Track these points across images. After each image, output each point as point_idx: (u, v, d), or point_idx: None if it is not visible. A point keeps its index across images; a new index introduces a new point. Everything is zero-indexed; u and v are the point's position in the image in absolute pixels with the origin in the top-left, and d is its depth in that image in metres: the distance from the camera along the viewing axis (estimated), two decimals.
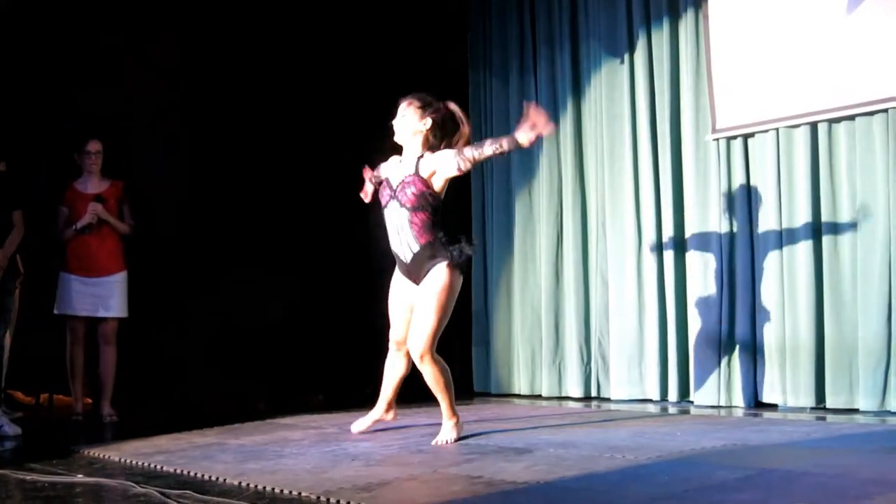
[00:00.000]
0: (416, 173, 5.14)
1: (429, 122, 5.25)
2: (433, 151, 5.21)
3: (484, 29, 9.17)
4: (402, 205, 5.15)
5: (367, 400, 6.31)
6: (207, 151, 8.21)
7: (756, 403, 6.94)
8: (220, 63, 8.29)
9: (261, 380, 8.19)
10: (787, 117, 6.87)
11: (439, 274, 5.10)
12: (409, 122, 5.28)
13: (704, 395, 7.17)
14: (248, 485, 3.99)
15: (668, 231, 7.56)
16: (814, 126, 6.77)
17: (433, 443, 5.12)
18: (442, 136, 5.28)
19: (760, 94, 7.04)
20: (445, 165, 5.08)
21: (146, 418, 7.03)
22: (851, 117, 6.58)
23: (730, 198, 7.21)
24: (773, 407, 6.84)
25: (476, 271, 9.01)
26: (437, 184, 5.14)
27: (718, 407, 7.01)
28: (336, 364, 8.48)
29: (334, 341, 8.49)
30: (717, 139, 7.28)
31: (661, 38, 7.70)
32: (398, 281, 5.42)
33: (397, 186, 5.19)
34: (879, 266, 6.34)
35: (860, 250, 6.47)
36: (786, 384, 6.79)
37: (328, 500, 3.57)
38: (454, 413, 5.33)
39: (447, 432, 5.23)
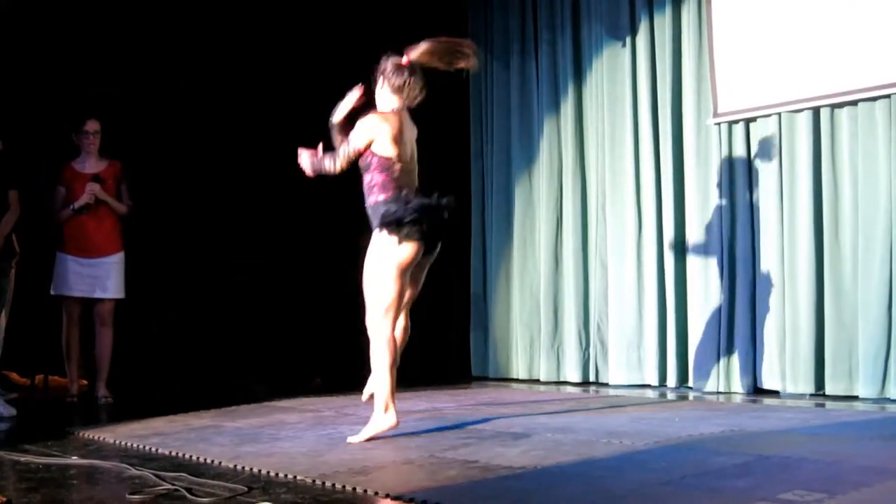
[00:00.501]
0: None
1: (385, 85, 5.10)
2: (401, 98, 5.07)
3: (485, 12, 9.12)
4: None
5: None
6: (205, 131, 8.17)
7: (755, 390, 6.92)
8: (219, 46, 8.24)
9: (259, 362, 8.18)
10: (789, 102, 6.83)
11: (373, 240, 4.89)
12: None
13: (703, 380, 7.15)
14: (243, 468, 3.99)
15: (668, 216, 7.52)
16: (816, 111, 6.73)
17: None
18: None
19: (762, 79, 6.99)
20: None
21: (142, 400, 7.01)
22: (854, 103, 6.54)
23: (731, 183, 7.17)
24: (772, 393, 6.81)
25: (475, 255, 8.99)
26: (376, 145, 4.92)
27: (717, 393, 7.00)
28: (334, 346, 8.45)
29: (332, 324, 8.46)
30: (719, 123, 7.24)
31: (663, 21, 7.65)
32: None
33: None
34: (881, 253, 6.31)
35: (861, 237, 6.43)
36: (785, 371, 6.76)
37: (323, 483, 3.57)
38: (387, 404, 4.74)
39: (367, 428, 4.74)
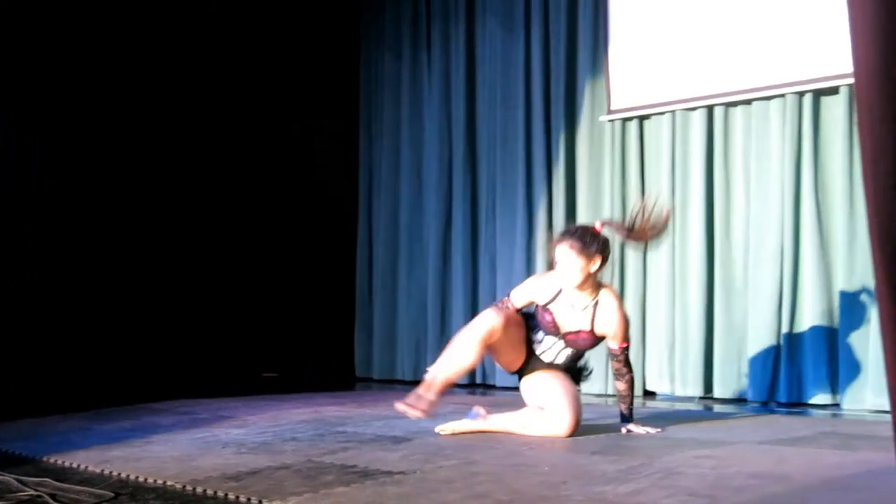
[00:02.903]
0: (592, 331, 4.79)
1: (598, 261, 4.72)
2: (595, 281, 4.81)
3: (378, 2, 8.98)
4: (567, 345, 4.87)
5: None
6: (150, 125, 8.11)
7: (644, 392, 6.88)
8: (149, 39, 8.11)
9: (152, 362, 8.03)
10: (684, 100, 6.81)
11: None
12: (576, 267, 4.69)
13: (591, 382, 7.09)
14: (111, 473, 3.81)
15: (559, 214, 7.45)
16: (710, 109, 6.71)
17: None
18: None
19: (657, 76, 6.96)
20: (610, 337, 4.81)
21: (9, 400, 6.74)
22: (748, 102, 6.54)
23: (623, 181, 7.12)
24: (659, 396, 6.80)
25: (361, 252, 8.87)
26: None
27: (605, 396, 6.93)
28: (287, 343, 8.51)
29: (281, 321, 8.47)
30: (613, 120, 7.19)
31: (558, 15, 7.57)
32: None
33: (567, 334, 4.82)
34: (772, 254, 6.30)
35: (753, 237, 6.42)
36: (674, 373, 6.73)
37: (194, 489, 3.41)
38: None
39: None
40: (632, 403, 4.87)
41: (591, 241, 4.70)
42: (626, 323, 4.82)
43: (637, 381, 6.84)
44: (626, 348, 4.83)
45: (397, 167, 8.67)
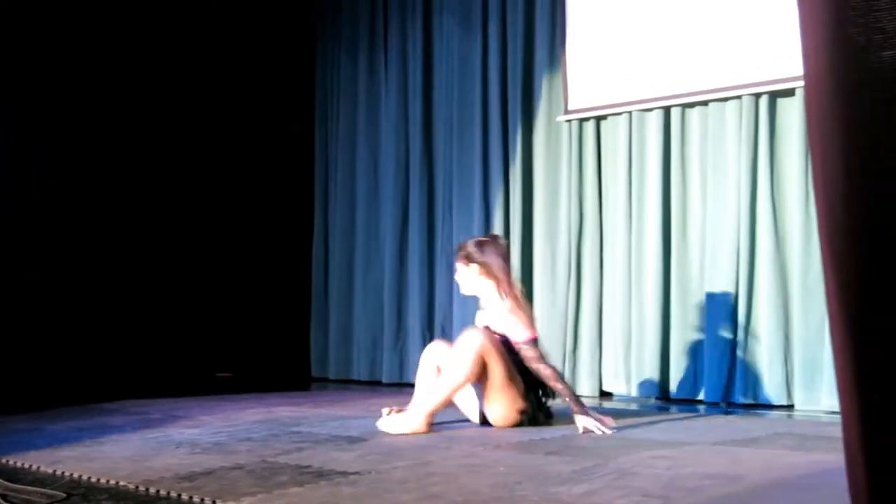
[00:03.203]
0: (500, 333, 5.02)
1: (476, 269, 5.13)
2: (502, 285, 5.08)
3: (335, 1, 8.94)
4: None
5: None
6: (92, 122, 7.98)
7: (600, 393, 6.88)
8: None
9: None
10: (641, 101, 6.81)
11: None
12: (466, 277, 5.21)
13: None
14: (62, 473, 3.78)
15: (516, 213, 7.43)
16: (667, 110, 6.72)
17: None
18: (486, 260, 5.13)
19: (614, 77, 6.95)
20: (510, 334, 4.99)
21: None
22: (705, 103, 6.55)
23: (580, 181, 7.11)
24: (615, 397, 6.79)
25: (317, 251, 8.83)
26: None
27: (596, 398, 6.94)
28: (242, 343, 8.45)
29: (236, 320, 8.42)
30: (570, 120, 7.19)
31: (515, 14, 7.55)
32: None
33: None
34: (728, 255, 6.30)
35: (709, 238, 6.43)
36: (630, 373, 6.72)
37: (147, 489, 3.39)
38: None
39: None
40: (573, 395, 4.91)
41: (474, 252, 5.12)
42: (516, 316, 4.97)
43: (594, 381, 6.90)
44: (533, 342, 4.96)
45: (354, 166, 8.63)
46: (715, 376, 6.31)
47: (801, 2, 1.78)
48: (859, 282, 1.68)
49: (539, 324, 7.14)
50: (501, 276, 5.06)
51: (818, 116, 1.74)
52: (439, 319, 7.88)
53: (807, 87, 1.82)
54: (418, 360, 7.83)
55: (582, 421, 4.77)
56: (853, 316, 1.70)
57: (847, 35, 1.65)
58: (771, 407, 6.09)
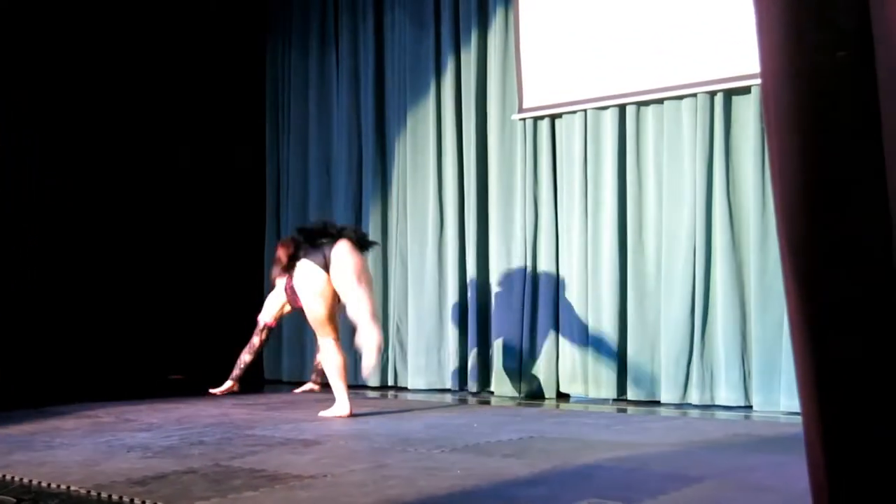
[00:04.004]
0: None
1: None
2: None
3: None
4: None
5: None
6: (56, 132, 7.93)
7: (557, 394, 6.85)
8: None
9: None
10: (596, 98, 6.78)
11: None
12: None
13: (505, 385, 7.05)
14: (13, 478, 3.76)
15: (470, 213, 7.39)
16: (622, 108, 6.69)
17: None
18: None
19: (569, 75, 6.92)
20: None
21: None
22: (660, 101, 6.53)
23: (535, 180, 7.07)
24: (573, 398, 6.77)
25: (268, 251, 8.78)
26: None
27: (519, 398, 6.91)
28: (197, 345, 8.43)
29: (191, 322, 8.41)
30: (524, 119, 7.15)
31: (468, 11, 7.50)
32: None
33: None
34: (684, 254, 6.28)
35: (665, 237, 6.40)
36: (587, 375, 6.67)
37: (99, 494, 3.38)
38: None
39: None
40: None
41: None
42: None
43: (551, 383, 6.89)
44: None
45: (306, 165, 8.55)
46: (672, 377, 6.28)
47: (758, 1, 1.78)
48: (818, 278, 1.69)
49: (495, 324, 7.19)
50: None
51: (776, 114, 1.74)
52: (394, 320, 7.83)
53: (764, 85, 1.82)
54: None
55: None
56: (813, 315, 1.70)
57: (804, 34, 1.66)
58: (729, 408, 6.06)
